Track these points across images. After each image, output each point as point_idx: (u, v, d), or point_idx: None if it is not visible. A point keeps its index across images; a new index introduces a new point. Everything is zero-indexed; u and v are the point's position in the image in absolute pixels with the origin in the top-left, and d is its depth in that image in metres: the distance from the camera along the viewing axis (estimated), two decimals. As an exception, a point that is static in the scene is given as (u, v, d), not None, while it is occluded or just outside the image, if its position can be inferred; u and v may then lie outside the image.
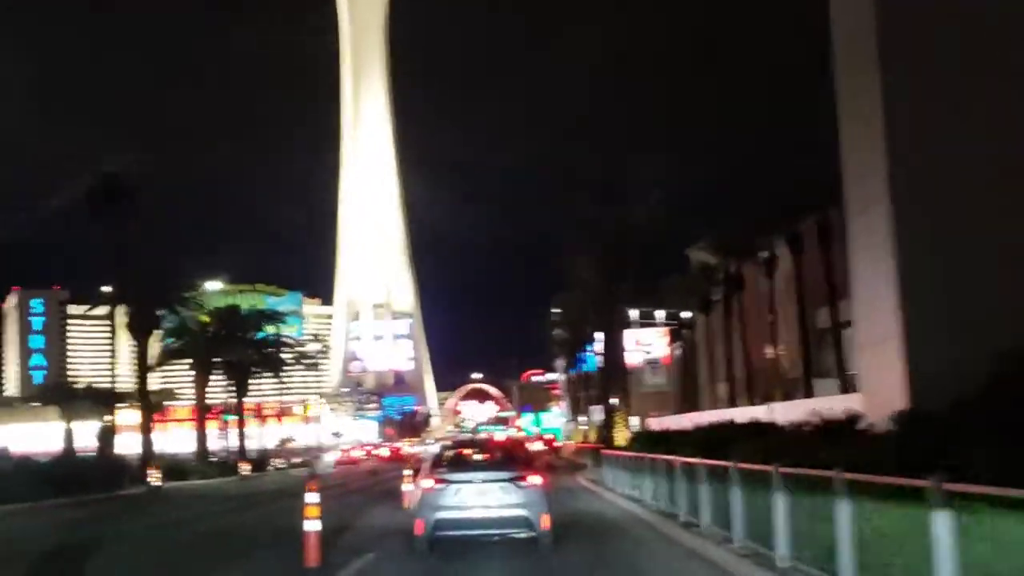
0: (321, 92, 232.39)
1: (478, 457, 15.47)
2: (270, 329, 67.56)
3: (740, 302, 59.48)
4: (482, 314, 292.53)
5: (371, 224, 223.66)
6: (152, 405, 51.82)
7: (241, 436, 61.57)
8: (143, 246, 47.62)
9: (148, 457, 45.87)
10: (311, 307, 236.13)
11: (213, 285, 51.55)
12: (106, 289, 49.57)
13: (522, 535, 13.94)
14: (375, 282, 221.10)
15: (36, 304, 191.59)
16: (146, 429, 47.99)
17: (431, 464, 15.10)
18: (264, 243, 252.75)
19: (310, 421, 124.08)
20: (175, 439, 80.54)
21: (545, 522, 13.76)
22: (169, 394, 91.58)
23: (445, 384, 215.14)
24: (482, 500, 13.72)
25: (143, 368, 48.19)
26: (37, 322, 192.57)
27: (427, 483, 14.06)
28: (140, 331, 47.63)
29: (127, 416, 76.62)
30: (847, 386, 43.05)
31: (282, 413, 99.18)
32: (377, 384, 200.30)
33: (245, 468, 54.37)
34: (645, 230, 51.21)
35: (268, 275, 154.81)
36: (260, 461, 62.53)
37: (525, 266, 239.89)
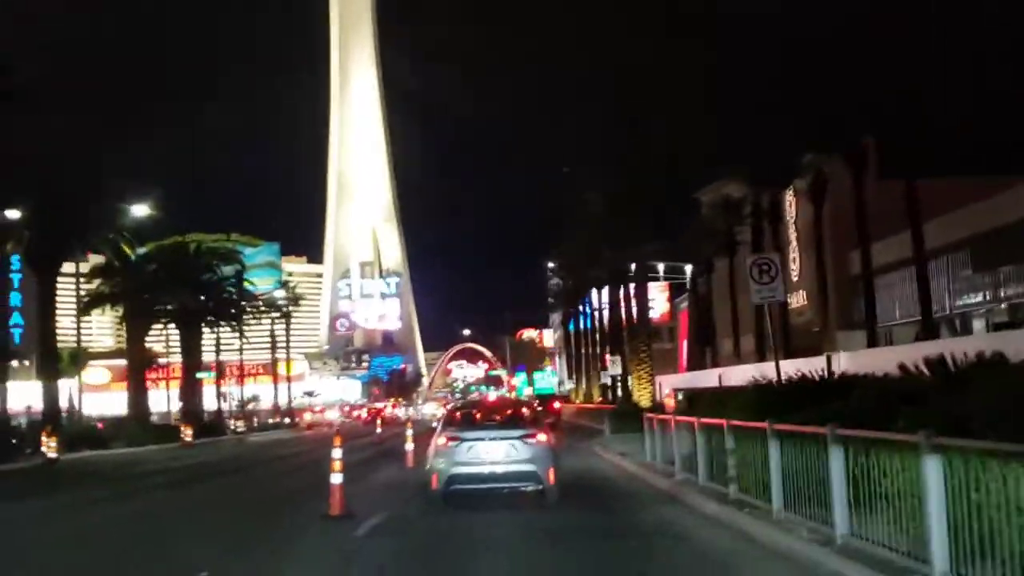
0: (308, 53, 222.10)
1: (488, 416, 15.63)
2: (227, 271, 57.36)
3: (777, 238, 49.51)
4: (473, 272, 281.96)
5: (359, 181, 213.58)
6: (65, 357, 41.43)
7: (188, 395, 51.32)
8: (56, 160, 36.93)
9: (48, 422, 35.73)
10: (298, 265, 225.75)
11: (140, 210, 40.35)
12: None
13: (530, 488, 14.20)
14: (363, 240, 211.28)
15: (15, 260, 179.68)
16: (50, 388, 37.99)
17: (443, 422, 15.55)
18: (252, 201, 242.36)
19: (291, 380, 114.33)
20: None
21: (552, 476, 14.03)
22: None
23: (436, 344, 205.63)
24: (492, 456, 13.98)
25: (45, 310, 37.97)
26: (17, 279, 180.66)
27: (441, 440, 14.36)
28: (41, 264, 37.37)
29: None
30: (930, 331, 33.48)
31: (259, 372, 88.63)
32: (366, 343, 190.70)
33: (188, 433, 44.37)
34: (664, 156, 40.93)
35: (254, 232, 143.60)
36: (213, 425, 52.50)
37: (519, 220, 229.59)
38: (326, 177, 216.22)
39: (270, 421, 66.20)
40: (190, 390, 51.07)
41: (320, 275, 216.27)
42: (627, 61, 40.80)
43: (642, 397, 35.05)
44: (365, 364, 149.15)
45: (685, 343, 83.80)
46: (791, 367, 33.96)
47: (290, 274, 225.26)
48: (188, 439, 44.01)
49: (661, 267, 79.61)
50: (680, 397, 23.23)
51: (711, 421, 13.61)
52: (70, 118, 40.93)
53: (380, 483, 19.27)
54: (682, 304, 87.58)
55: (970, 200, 35.59)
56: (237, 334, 58.28)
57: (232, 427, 55.22)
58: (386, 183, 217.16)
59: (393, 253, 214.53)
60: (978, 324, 39.50)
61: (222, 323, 56.66)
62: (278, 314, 72.20)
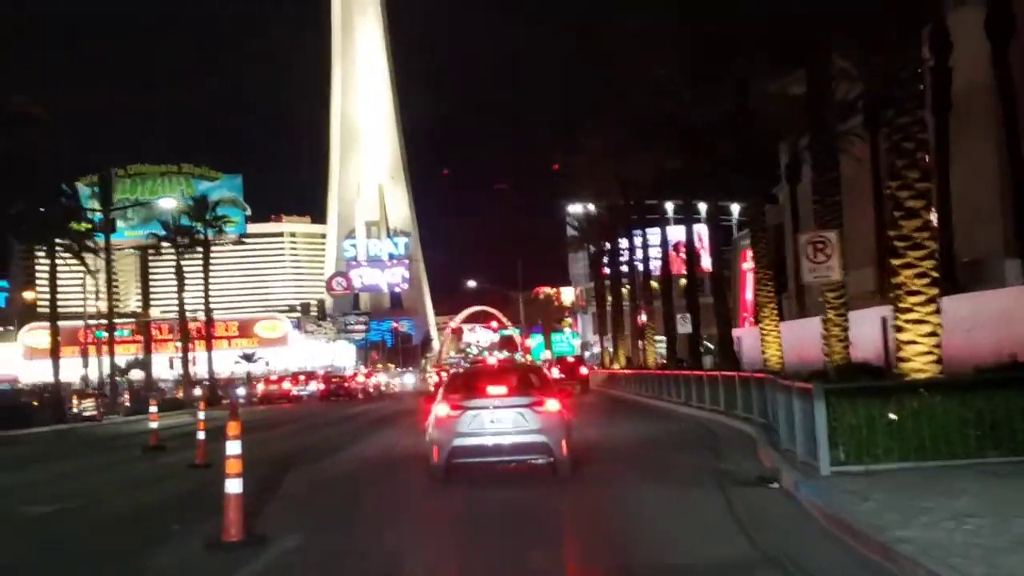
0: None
1: (494, 382, 13.49)
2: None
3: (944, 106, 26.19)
4: (488, 230, 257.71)
5: (365, 136, 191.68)
6: None
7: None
8: None
9: None
10: (302, 225, 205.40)
11: None
12: None
13: (540, 461, 12.85)
14: (370, 199, 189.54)
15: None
16: None
17: (445, 389, 13.59)
18: (252, 159, 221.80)
19: (264, 344, 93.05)
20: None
21: (565, 448, 12.57)
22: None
23: (448, 307, 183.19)
24: (499, 426, 12.45)
25: None
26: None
27: (443, 410, 12.77)
28: None
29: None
30: None
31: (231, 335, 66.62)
32: (372, 307, 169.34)
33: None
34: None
35: (256, 195, 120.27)
36: (23, 407, 30.65)
37: (538, 167, 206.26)
38: (329, 133, 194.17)
39: (177, 397, 44.10)
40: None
41: (324, 236, 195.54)
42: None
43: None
44: (362, 327, 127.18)
45: (748, 292, 62.14)
46: None
47: (292, 234, 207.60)
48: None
49: (703, 207, 57.42)
50: None
51: None
52: None
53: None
54: (742, 242, 65.48)
55: None
56: (90, 273, 36.00)
57: (76, 409, 33.37)
58: (393, 137, 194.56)
59: (401, 212, 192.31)
60: None
61: (64, 248, 34.47)
62: (184, 242, 48.54)
